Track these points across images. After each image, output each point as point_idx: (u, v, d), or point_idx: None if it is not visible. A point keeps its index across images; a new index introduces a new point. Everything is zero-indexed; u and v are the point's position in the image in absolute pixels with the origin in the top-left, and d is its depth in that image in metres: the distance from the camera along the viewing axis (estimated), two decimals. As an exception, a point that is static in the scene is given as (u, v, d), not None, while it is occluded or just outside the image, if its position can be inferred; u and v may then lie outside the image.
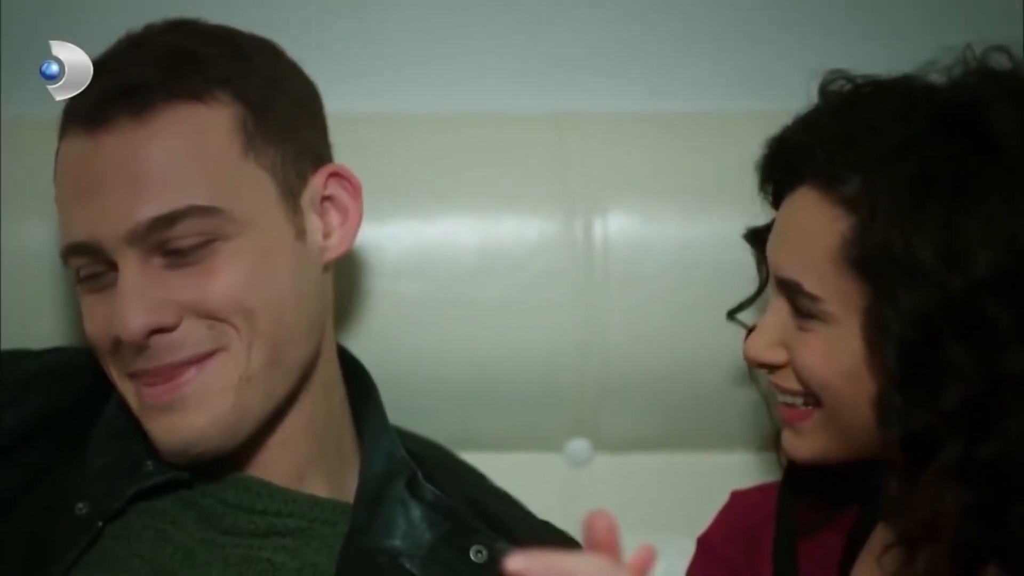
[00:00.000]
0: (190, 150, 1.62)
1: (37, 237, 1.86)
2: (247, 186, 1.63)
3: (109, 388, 1.70)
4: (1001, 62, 1.59)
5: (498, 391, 1.92)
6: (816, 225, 1.57)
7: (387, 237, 1.89)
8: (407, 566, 1.64)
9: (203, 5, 1.70)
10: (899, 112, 1.56)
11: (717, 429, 1.94)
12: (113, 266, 1.60)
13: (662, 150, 1.96)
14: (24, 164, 1.81)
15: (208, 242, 1.61)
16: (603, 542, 1.24)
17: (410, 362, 1.90)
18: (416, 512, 1.67)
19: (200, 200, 1.60)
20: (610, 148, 1.95)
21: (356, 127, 1.90)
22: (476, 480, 1.80)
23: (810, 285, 1.57)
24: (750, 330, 1.74)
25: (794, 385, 1.62)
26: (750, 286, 1.77)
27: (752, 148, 1.68)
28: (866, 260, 1.53)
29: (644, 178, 1.94)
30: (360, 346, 1.85)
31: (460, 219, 1.91)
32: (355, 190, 1.69)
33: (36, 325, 1.87)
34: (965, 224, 1.50)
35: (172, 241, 1.60)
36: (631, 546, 1.87)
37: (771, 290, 1.65)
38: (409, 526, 1.66)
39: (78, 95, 1.62)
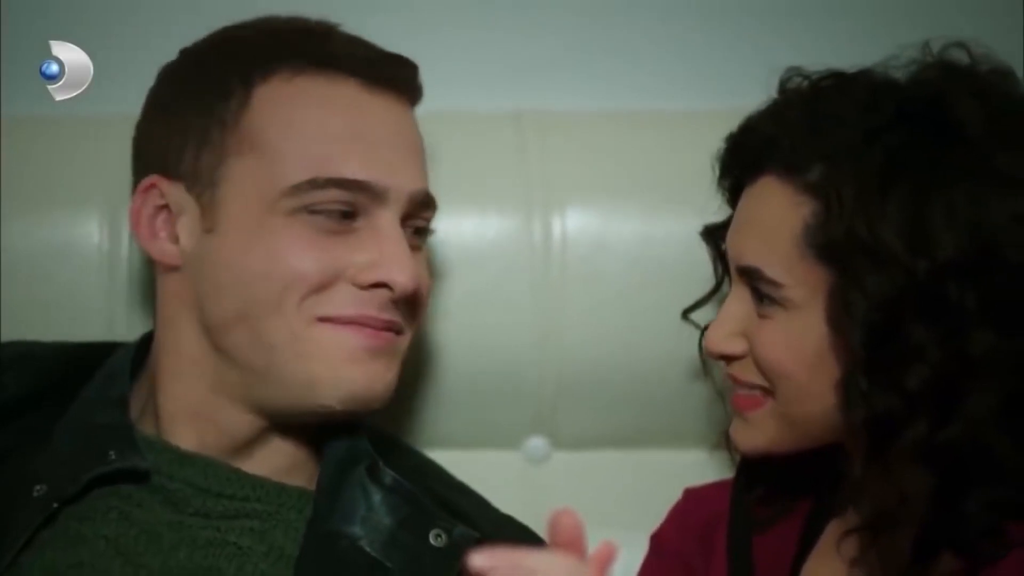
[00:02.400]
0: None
1: (37, 236, 1.85)
2: None
3: (77, 382, 1.72)
4: (961, 57, 1.61)
5: (456, 388, 1.93)
6: (778, 212, 1.59)
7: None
8: (367, 549, 1.65)
9: (200, 5, 1.70)
10: (864, 103, 1.58)
11: (674, 427, 1.94)
12: (353, 216, 1.65)
13: (621, 148, 1.96)
14: (24, 163, 1.81)
15: (425, 236, 1.74)
16: (568, 541, 1.25)
17: (368, 359, 1.90)
18: (376, 497, 1.68)
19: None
20: (569, 146, 1.96)
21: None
22: (440, 475, 1.80)
23: (772, 271, 1.58)
24: (704, 329, 1.75)
25: (751, 377, 1.62)
26: (709, 284, 1.78)
27: (711, 147, 1.69)
28: (830, 245, 1.55)
29: (603, 176, 1.95)
30: (319, 343, 1.85)
31: (419, 216, 1.91)
32: None
33: (36, 324, 1.86)
34: (929, 209, 1.52)
35: (418, 220, 1.71)
36: (589, 541, 1.89)
37: (732, 280, 1.65)
38: (369, 511, 1.67)
39: (322, 40, 1.70)
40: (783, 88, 1.66)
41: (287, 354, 1.64)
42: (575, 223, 1.92)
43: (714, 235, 1.74)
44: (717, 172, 1.69)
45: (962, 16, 1.96)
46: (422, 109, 1.82)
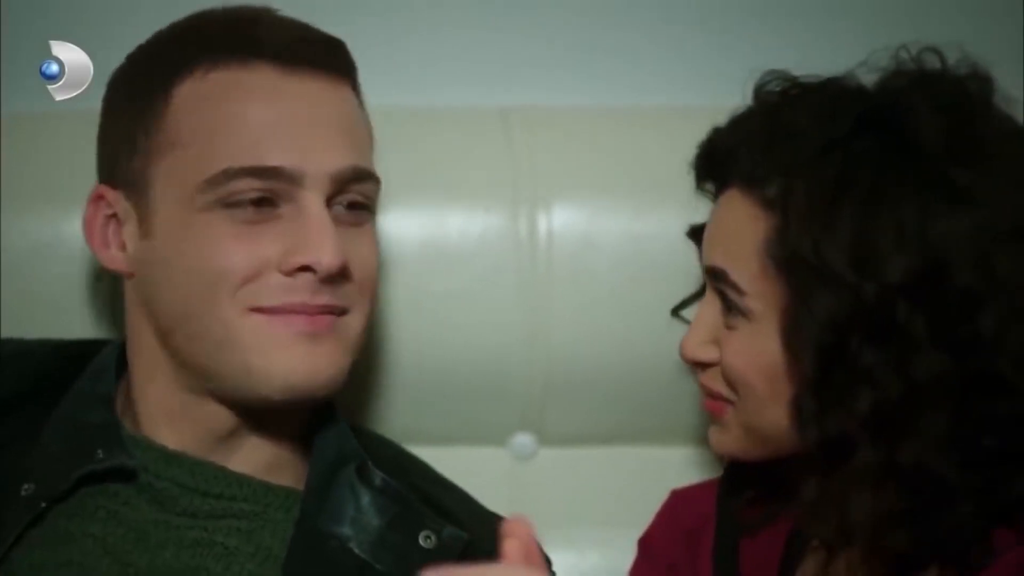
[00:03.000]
0: (364, 118, 1.73)
1: (37, 232, 1.85)
2: None
3: (68, 379, 1.72)
4: (932, 63, 1.59)
5: (443, 385, 1.92)
6: (741, 225, 1.59)
7: (332, 231, 1.89)
8: (356, 551, 1.65)
9: (200, 6, 1.70)
10: (823, 114, 1.56)
11: (662, 424, 1.94)
12: (274, 202, 1.63)
13: (608, 145, 1.96)
14: (25, 159, 1.80)
15: (367, 210, 1.70)
16: (522, 548, 1.26)
17: (354, 356, 1.90)
18: (365, 498, 1.68)
19: (374, 171, 1.70)
20: (556, 142, 1.95)
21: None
22: (425, 473, 1.80)
23: (736, 276, 1.58)
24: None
25: (717, 386, 1.63)
26: (695, 282, 1.78)
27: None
28: (785, 262, 1.54)
29: (590, 173, 1.94)
30: (305, 340, 1.85)
31: (405, 212, 1.91)
32: None
33: (36, 320, 1.86)
34: (878, 229, 1.50)
35: (352, 196, 1.67)
36: (575, 539, 1.90)
37: (706, 287, 1.65)
38: (358, 512, 1.67)
39: (242, 29, 1.68)
40: (757, 93, 1.64)
41: (225, 349, 1.64)
42: (562, 220, 1.92)
43: (700, 234, 1.73)
44: (694, 175, 1.69)
45: (962, 16, 1.96)
46: (409, 104, 1.83)
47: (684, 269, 1.79)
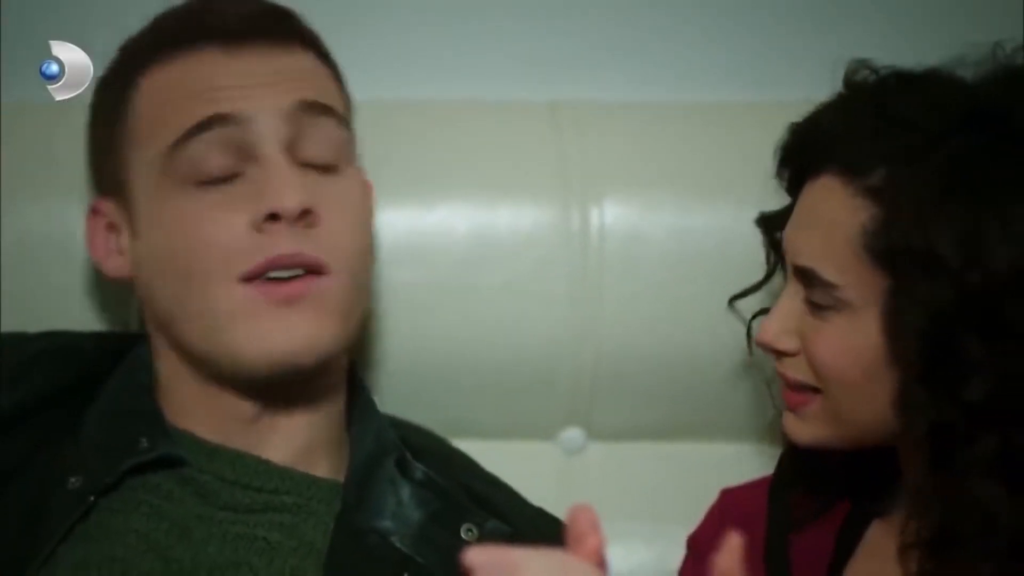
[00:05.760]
0: (324, 75, 1.71)
1: (38, 222, 1.86)
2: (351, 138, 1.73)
3: (108, 369, 1.73)
4: None
5: (492, 379, 1.92)
6: (837, 213, 1.56)
7: (383, 224, 1.89)
8: (398, 545, 1.65)
9: None
10: (930, 107, 1.54)
11: (711, 419, 1.93)
12: (239, 171, 1.64)
13: (659, 139, 1.95)
14: (25, 149, 1.81)
15: (336, 165, 1.68)
16: (582, 537, 1.25)
17: (404, 349, 1.90)
18: (406, 491, 1.68)
19: (340, 109, 1.69)
20: (607, 137, 1.95)
21: (352, 114, 1.91)
22: (469, 467, 1.80)
23: (827, 273, 1.56)
24: (752, 319, 1.74)
25: (800, 375, 1.60)
26: (746, 276, 1.77)
27: (750, 138, 1.68)
28: (887, 251, 1.52)
29: (641, 167, 1.94)
30: (354, 333, 1.86)
31: (456, 207, 1.91)
32: (369, 191, 1.77)
33: (37, 310, 1.86)
34: (987, 221, 1.49)
35: (316, 141, 1.66)
36: (623, 534, 1.89)
37: (788, 275, 1.63)
38: (399, 505, 1.67)
39: (192, 18, 1.70)
40: (849, 81, 1.62)
41: (214, 328, 1.64)
42: (612, 214, 1.91)
43: (769, 224, 1.72)
44: (777, 159, 1.66)
45: (961, 12, 1.95)
46: (458, 99, 1.83)
47: (734, 264, 1.79)
